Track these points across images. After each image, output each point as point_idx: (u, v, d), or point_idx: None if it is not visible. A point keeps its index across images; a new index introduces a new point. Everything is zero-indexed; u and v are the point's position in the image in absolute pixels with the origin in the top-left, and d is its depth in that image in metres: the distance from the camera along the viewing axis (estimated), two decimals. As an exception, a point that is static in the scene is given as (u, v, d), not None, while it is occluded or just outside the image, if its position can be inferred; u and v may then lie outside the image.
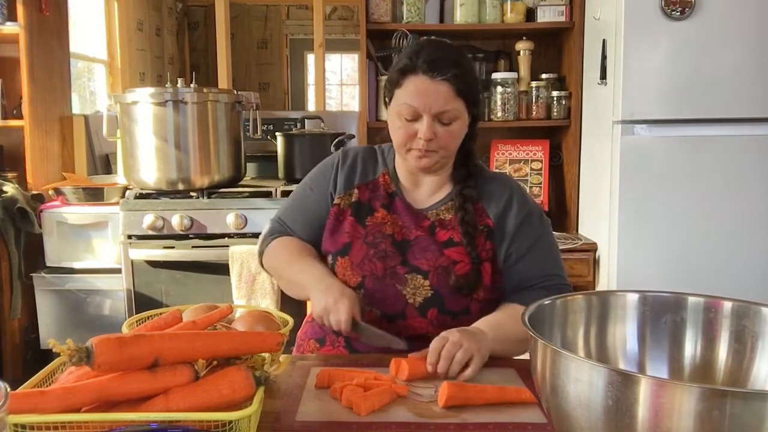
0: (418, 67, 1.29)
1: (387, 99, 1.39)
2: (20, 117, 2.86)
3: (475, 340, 1.18)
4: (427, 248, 1.36)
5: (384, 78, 2.95)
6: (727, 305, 0.92)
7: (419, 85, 1.29)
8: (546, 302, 0.94)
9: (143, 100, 2.55)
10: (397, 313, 1.35)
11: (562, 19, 2.87)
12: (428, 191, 1.43)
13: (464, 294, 1.34)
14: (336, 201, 1.43)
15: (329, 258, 1.42)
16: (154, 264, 2.60)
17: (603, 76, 2.55)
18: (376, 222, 1.40)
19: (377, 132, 3.02)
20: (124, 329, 1.13)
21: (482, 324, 1.27)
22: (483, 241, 1.36)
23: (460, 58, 1.32)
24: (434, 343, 1.17)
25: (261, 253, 1.50)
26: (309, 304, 1.73)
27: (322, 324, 1.28)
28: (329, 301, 1.24)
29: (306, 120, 3.10)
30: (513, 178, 1.50)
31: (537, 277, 1.37)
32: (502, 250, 1.37)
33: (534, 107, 2.96)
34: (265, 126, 3.09)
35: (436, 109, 1.29)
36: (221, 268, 2.56)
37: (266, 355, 0.96)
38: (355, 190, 1.43)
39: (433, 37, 1.53)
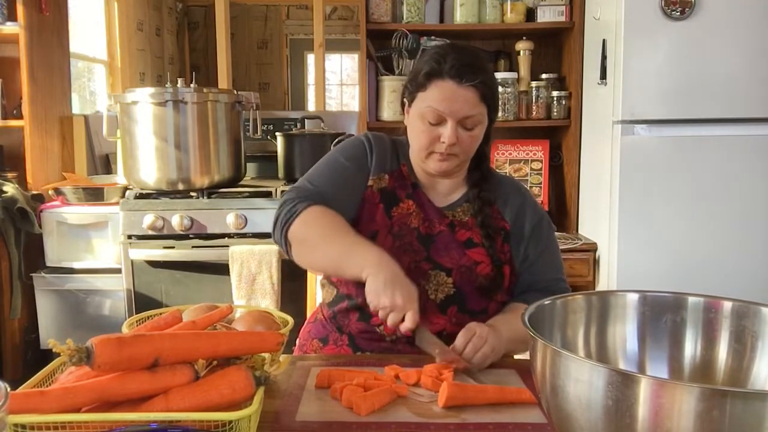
0: (446, 72, 1.28)
1: (407, 101, 1.38)
2: (20, 117, 2.86)
3: (496, 337, 1.21)
4: (450, 246, 1.37)
5: (385, 78, 2.97)
6: (727, 305, 0.92)
7: (446, 90, 1.28)
8: (546, 302, 0.94)
9: (143, 100, 2.55)
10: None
11: (562, 19, 2.87)
12: (444, 192, 1.43)
13: (489, 296, 1.36)
14: (370, 183, 1.39)
15: None
16: (154, 264, 2.60)
17: (603, 76, 2.55)
18: (402, 213, 1.39)
19: (377, 132, 3.02)
20: (124, 329, 1.13)
21: (495, 323, 1.28)
22: (501, 243, 1.38)
23: (485, 64, 1.33)
24: (463, 335, 1.20)
25: (288, 219, 1.31)
26: (310, 304, 1.73)
27: (375, 312, 1.17)
28: (397, 300, 1.13)
29: (306, 120, 3.10)
30: (520, 182, 1.52)
31: (544, 281, 1.40)
32: (519, 252, 1.40)
33: (534, 107, 2.96)
34: (265, 126, 3.09)
35: (462, 115, 1.28)
36: (221, 268, 2.56)
37: (266, 355, 0.96)
38: (386, 176, 1.40)
39: (456, 42, 1.53)
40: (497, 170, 1.53)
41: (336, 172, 1.39)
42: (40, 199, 2.81)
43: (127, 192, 2.71)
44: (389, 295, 1.14)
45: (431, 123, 1.30)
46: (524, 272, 1.40)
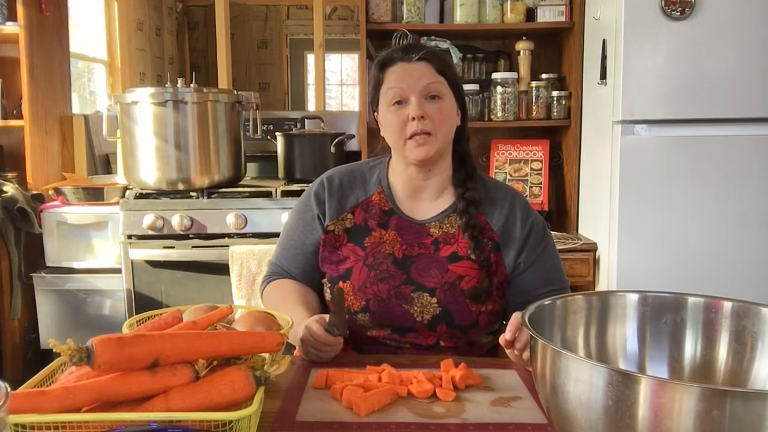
0: (395, 58, 1.36)
1: (374, 108, 1.43)
2: (20, 117, 2.86)
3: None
4: (431, 265, 1.35)
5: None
6: (727, 305, 0.93)
7: (399, 70, 1.35)
8: (546, 302, 0.94)
9: (143, 100, 2.55)
10: (406, 329, 1.36)
11: (562, 19, 2.87)
12: (429, 198, 1.41)
13: (477, 308, 1.34)
14: (329, 228, 1.42)
15: (328, 282, 1.42)
16: (154, 264, 2.60)
17: (603, 76, 2.55)
18: (375, 242, 1.38)
19: (377, 132, 3.02)
20: (125, 329, 1.13)
21: None
22: (488, 253, 1.36)
23: (430, 47, 1.40)
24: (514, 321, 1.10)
25: (261, 296, 1.53)
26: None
27: (317, 359, 1.25)
28: (299, 335, 1.24)
29: (306, 120, 3.10)
30: (513, 188, 1.50)
31: (545, 286, 1.37)
32: (509, 259, 1.37)
33: (534, 107, 2.96)
34: (265, 126, 3.09)
35: (421, 85, 1.32)
36: (221, 268, 2.56)
37: (266, 355, 0.96)
38: (349, 215, 1.42)
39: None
40: (493, 177, 1.54)
41: (289, 237, 1.49)
42: (40, 199, 2.81)
43: (127, 192, 2.71)
44: (297, 341, 1.26)
45: (397, 104, 1.34)
46: (518, 279, 1.37)
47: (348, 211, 1.42)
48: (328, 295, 1.44)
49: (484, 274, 1.34)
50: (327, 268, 1.42)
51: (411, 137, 1.32)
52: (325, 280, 1.44)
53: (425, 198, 1.42)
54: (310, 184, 1.50)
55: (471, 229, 1.35)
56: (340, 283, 1.37)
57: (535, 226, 1.39)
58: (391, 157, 1.46)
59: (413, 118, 1.31)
